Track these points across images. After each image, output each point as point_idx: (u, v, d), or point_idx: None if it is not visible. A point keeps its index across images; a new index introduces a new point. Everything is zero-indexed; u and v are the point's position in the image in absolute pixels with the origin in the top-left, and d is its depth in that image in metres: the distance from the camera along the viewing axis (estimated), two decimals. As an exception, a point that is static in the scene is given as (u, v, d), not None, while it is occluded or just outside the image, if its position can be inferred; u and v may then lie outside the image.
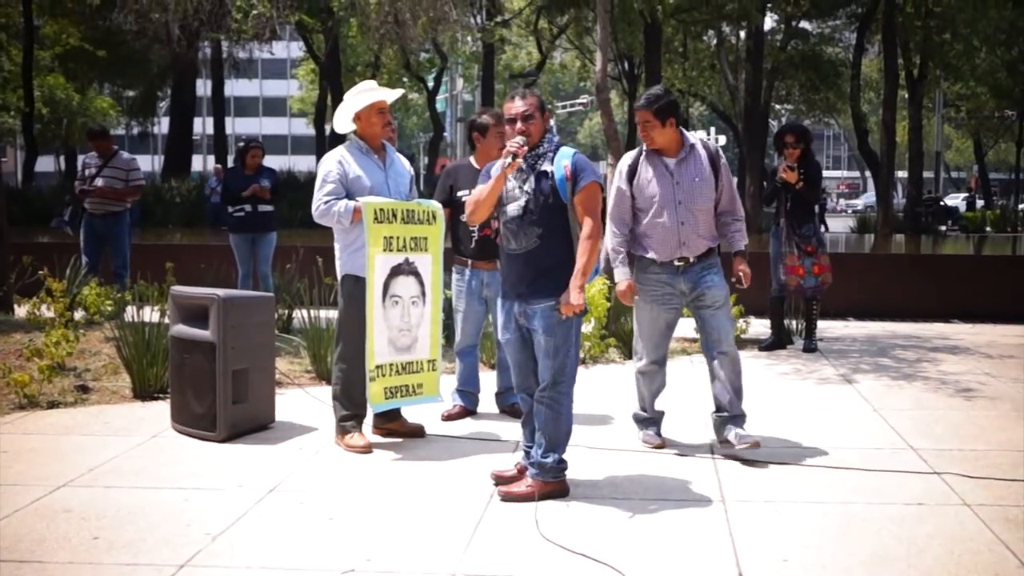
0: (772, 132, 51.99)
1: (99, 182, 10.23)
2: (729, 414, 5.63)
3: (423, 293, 5.86)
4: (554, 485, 4.86)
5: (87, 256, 10.27)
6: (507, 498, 4.83)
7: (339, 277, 5.91)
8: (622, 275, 5.59)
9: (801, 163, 8.88)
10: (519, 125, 4.83)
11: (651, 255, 5.61)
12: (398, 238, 5.68)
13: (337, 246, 5.89)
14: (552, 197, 4.81)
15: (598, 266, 5.18)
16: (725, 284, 5.69)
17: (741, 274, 5.68)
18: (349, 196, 5.71)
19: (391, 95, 6.01)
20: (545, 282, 4.80)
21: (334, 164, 5.78)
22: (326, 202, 5.67)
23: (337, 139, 26.19)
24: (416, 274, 5.81)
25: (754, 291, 9.94)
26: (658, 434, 5.93)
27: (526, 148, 4.81)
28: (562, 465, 4.91)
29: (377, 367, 5.67)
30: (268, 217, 10.25)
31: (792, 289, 9.10)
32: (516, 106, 4.86)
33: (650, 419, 5.95)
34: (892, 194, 31.32)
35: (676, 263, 5.58)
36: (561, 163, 4.82)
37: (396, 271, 5.70)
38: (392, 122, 6.08)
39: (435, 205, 6.01)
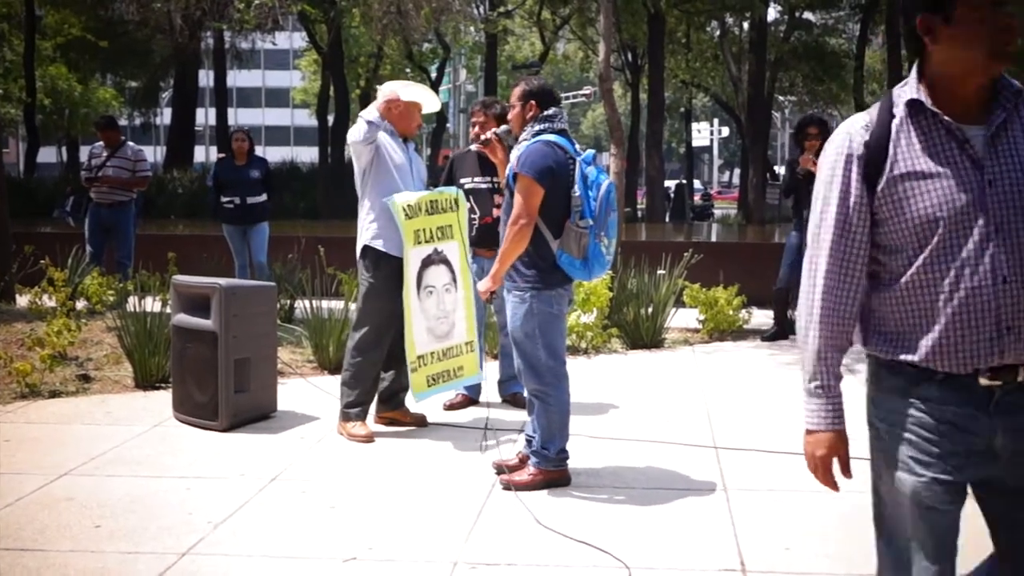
0: (775, 123, 51.56)
1: (107, 172, 10.25)
2: None
3: (454, 279, 5.97)
4: (555, 474, 4.85)
5: (91, 246, 10.27)
6: (509, 487, 4.83)
7: (362, 244, 5.83)
8: (822, 416, 2.63)
9: (820, 154, 8.92)
10: (510, 114, 5.05)
11: (919, 358, 2.41)
12: (425, 230, 5.77)
13: (371, 217, 5.81)
14: (509, 186, 4.86)
15: (604, 260, 5.00)
16: None
17: None
18: (379, 166, 5.76)
19: (433, 104, 6.17)
20: (510, 273, 4.84)
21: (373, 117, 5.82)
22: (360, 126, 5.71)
23: (339, 130, 26.17)
24: (446, 262, 5.91)
25: (757, 281, 10.03)
26: None
27: (496, 136, 5.16)
28: (563, 455, 4.90)
29: (418, 357, 5.74)
30: (258, 208, 10.24)
31: None
32: (512, 93, 5.02)
33: None
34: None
35: (984, 381, 2.35)
36: (517, 152, 4.85)
37: (427, 262, 5.79)
38: (421, 123, 6.25)
39: (455, 191, 6.09)
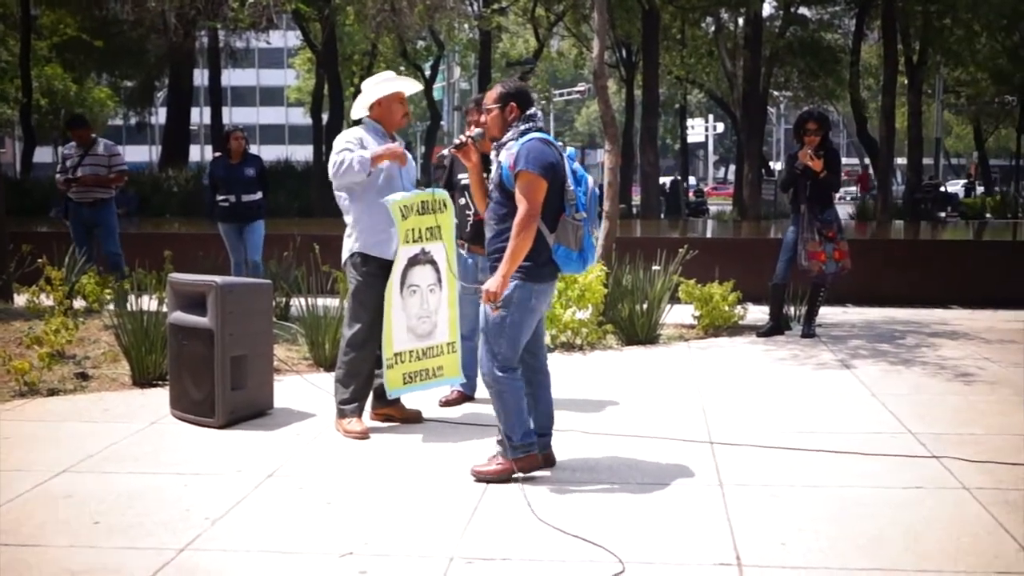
0: (770, 119, 51.46)
1: (83, 171, 10.24)
2: None
3: (439, 280, 5.97)
4: (523, 462, 4.88)
5: (78, 246, 10.27)
6: (479, 478, 4.88)
7: (346, 255, 5.89)
8: None
9: (819, 149, 8.94)
10: (482, 117, 5.13)
11: None
12: (414, 230, 5.78)
13: (353, 225, 5.86)
14: (503, 187, 4.88)
15: (594, 252, 5.07)
16: None
17: None
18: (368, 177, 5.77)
19: (412, 86, 6.14)
20: (495, 270, 4.87)
21: (353, 138, 5.82)
22: (341, 159, 5.68)
23: (333, 128, 26.14)
24: (432, 262, 5.91)
25: (753, 277, 10.05)
26: None
27: (471, 140, 5.15)
28: (527, 439, 4.91)
29: (396, 354, 5.75)
30: (254, 206, 10.26)
31: (814, 275, 9.10)
32: (487, 96, 5.10)
33: None
34: (891, 180, 31.31)
35: None
36: (511, 152, 4.87)
37: (413, 261, 5.80)
38: (409, 112, 6.18)
39: (444, 193, 6.10)
